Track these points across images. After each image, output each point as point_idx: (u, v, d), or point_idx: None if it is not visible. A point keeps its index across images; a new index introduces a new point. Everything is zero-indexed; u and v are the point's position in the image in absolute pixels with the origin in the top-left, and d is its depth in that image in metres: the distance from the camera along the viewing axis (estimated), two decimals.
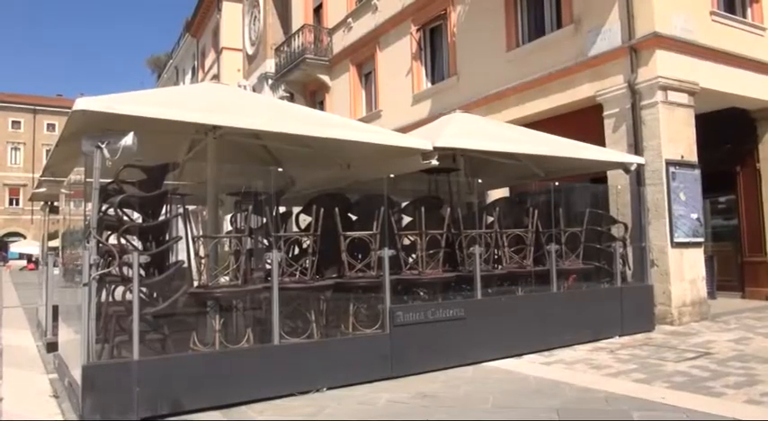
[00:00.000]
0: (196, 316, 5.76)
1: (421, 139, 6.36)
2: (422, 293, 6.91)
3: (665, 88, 9.01)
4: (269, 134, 6.52)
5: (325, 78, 18.48)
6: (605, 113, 9.77)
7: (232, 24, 27.00)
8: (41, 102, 67.71)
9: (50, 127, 66.53)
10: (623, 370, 6.01)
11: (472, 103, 12.02)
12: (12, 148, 65.71)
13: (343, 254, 6.16)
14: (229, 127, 5.95)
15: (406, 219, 7.69)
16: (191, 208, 7.80)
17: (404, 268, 6.64)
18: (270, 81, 21.01)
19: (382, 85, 16.10)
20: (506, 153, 7.58)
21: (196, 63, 34.01)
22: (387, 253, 5.96)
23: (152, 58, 50.58)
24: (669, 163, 8.93)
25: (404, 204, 7.98)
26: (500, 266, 7.40)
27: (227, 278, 5.85)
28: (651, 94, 9.05)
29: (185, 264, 5.89)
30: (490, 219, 7.67)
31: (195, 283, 5.71)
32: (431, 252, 6.66)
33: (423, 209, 6.65)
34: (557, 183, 7.89)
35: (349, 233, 6.16)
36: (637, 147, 9.13)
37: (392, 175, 6.59)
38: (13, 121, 65.76)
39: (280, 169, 6.81)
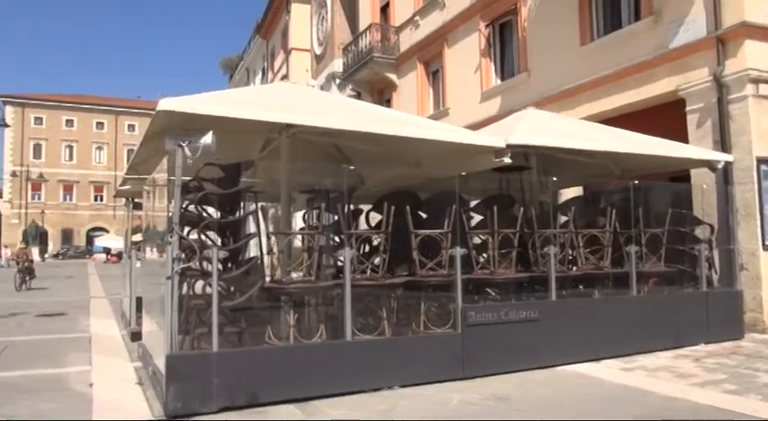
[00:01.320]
0: (270, 310, 5.89)
1: (493, 137, 6.25)
2: (493, 293, 6.79)
3: (755, 81, 8.46)
4: (340, 132, 6.58)
5: (393, 77, 18.52)
6: (688, 108, 9.29)
7: (300, 25, 27.51)
8: (123, 104, 71.43)
9: (131, 127, 70.13)
10: (711, 380, 5.68)
11: (544, 99, 11.72)
12: (96, 148, 69.71)
13: (414, 252, 6.14)
14: (303, 125, 6.04)
15: (476, 218, 7.59)
16: (261, 205, 7.99)
17: (475, 267, 6.54)
18: (337, 80, 21.26)
19: (450, 83, 15.96)
20: (581, 150, 7.33)
21: (266, 64, 34.90)
22: (459, 251, 5.90)
23: (225, 60, 52.22)
24: (761, 160, 8.38)
25: (474, 203, 7.88)
26: (575, 267, 7.17)
27: (298, 274, 5.97)
28: (740, 88, 8.52)
29: (258, 260, 6.04)
30: (564, 218, 7.45)
31: (267, 279, 5.85)
32: (503, 251, 6.53)
33: (495, 207, 6.53)
34: (636, 182, 7.55)
35: (420, 231, 6.13)
36: (724, 144, 8.62)
37: (463, 174, 6.50)
38: (97, 123, 69.71)
39: (352, 167, 6.84)
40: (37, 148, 66.97)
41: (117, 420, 4.68)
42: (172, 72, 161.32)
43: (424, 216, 7.12)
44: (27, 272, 19.35)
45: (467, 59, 15.08)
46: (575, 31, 11.59)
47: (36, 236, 60.94)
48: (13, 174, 63.54)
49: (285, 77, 27.00)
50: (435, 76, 17.07)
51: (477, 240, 6.82)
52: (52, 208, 66.33)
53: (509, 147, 6.02)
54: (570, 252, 7.12)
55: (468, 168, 6.48)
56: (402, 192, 7.04)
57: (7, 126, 32.73)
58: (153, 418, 4.66)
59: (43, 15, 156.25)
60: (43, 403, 5.17)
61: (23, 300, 15.55)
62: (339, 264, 6.33)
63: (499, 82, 14.26)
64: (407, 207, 6.11)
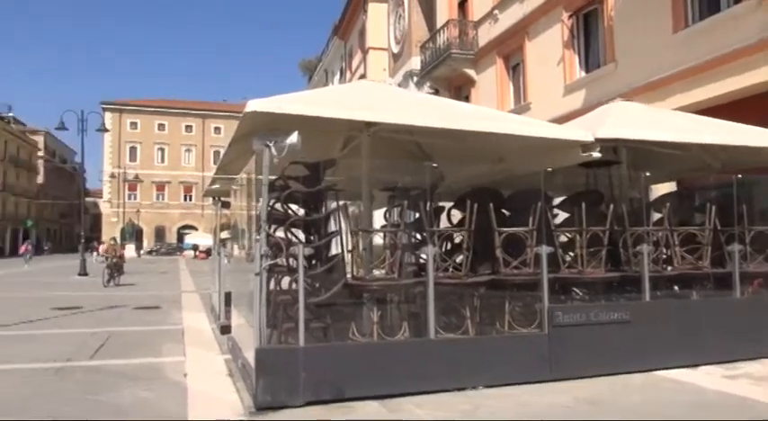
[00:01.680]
0: (353, 307, 5.96)
1: (581, 131, 6.01)
2: (581, 293, 6.54)
3: None
4: (421, 129, 6.55)
5: (471, 72, 18.29)
6: None
7: (377, 24, 27.71)
8: (209, 107, 74.81)
9: (217, 130, 73.33)
10: None
11: (632, 90, 11.18)
12: (185, 150, 73.42)
13: (498, 250, 6.02)
14: (384, 123, 6.05)
15: (561, 216, 7.33)
16: (343, 203, 8.09)
17: (561, 266, 6.32)
18: (415, 78, 21.25)
19: (531, 77, 15.57)
20: (676, 143, 6.91)
21: (344, 64, 35.42)
22: (545, 250, 5.72)
23: (304, 62, 53.47)
24: None
25: (558, 200, 7.61)
26: (670, 267, 6.77)
27: (380, 271, 5.99)
28: None
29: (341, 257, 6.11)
30: (657, 215, 7.05)
31: (348, 276, 5.91)
32: (591, 250, 6.27)
33: (582, 204, 6.28)
34: (739, 176, 7.03)
35: (504, 229, 5.99)
36: None
37: (549, 169, 6.29)
38: (186, 126, 73.40)
39: (434, 165, 6.80)
40: (132, 151, 71.40)
41: (211, 411, 4.85)
42: (253, 75, 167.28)
43: (506, 213, 6.96)
44: (115, 268, 19.28)
45: (549, 52, 14.64)
46: (666, 18, 10.98)
47: (132, 233, 65.00)
48: (112, 175, 68.02)
49: (363, 77, 27.29)
50: (515, 70, 16.70)
51: (563, 238, 6.59)
52: (146, 207, 70.53)
53: (598, 141, 5.77)
54: (664, 251, 6.73)
55: (554, 164, 6.26)
56: (484, 188, 6.91)
57: (107, 131, 35.02)
58: (244, 410, 4.81)
59: (133, 21, 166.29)
60: (143, 391, 5.48)
61: (123, 293, 16.59)
62: (421, 261, 6.31)
63: (583, 74, 13.76)
64: (490, 204, 5.98)
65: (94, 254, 39.89)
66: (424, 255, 6.15)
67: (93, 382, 5.84)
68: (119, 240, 62.81)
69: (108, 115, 61.48)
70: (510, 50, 16.63)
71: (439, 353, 5.40)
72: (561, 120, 10.57)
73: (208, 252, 51.35)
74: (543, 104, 14.56)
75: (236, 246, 11.14)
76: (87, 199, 61.19)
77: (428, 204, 6.24)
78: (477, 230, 5.94)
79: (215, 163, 69.16)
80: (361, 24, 30.72)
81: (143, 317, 11.23)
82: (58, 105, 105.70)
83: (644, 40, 11.48)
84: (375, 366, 5.20)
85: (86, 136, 27.75)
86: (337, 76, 37.33)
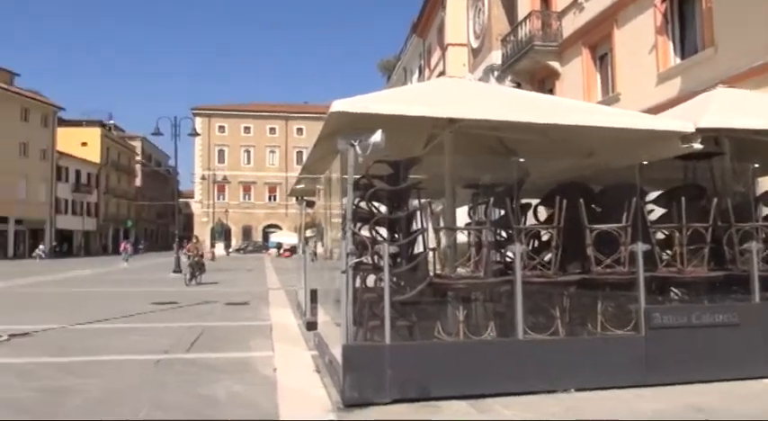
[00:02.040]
0: (437, 305, 5.90)
1: (680, 121, 5.64)
2: (680, 294, 6.15)
3: None
4: (505, 125, 6.38)
5: (555, 64, 17.72)
6: None
7: (456, 20, 27.42)
8: (291, 109, 77.02)
9: (299, 131, 75.42)
10: None
11: (734, 76, 10.39)
12: (269, 152, 76.01)
13: (589, 248, 5.77)
14: (468, 119, 5.95)
15: (656, 211, 6.92)
16: (426, 201, 8.04)
17: (659, 265, 5.97)
18: (496, 73, 20.86)
19: (621, 66, 14.86)
20: None
21: (422, 62, 35.35)
22: (641, 247, 5.42)
23: (383, 62, 53.87)
24: None
25: (654, 194, 7.19)
26: None
27: (464, 269, 5.90)
28: None
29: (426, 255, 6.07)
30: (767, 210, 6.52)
31: (431, 274, 5.86)
32: (692, 247, 5.88)
33: (681, 199, 5.90)
34: None
35: (596, 226, 5.73)
36: None
37: (645, 163, 5.96)
38: (269, 128, 75.97)
39: (521, 160, 6.61)
40: (221, 154, 74.72)
41: (300, 406, 4.95)
42: (333, 77, 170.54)
43: (597, 209, 6.66)
44: (197, 266, 19.13)
45: (640, 39, 13.91)
46: None
47: (221, 232, 68.10)
48: (203, 177, 71.52)
49: (442, 74, 27.11)
50: (603, 60, 16.01)
51: (659, 235, 6.22)
52: (234, 207, 73.63)
53: (699, 131, 5.39)
54: None
55: (650, 157, 5.92)
56: (573, 184, 6.64)
57: (198, 135, 36.78)
58: (332, 406, 4.87)
59: (217, 26, 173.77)
60: (236, 384, 5.68)
61: (214, 289, 17.37)
62: (507, 260, 6.16)
63: (678, 61, 12.97)
64: (580, 200, 5.74)
65: (124, 255, 41.54)
66: (510, 254, 6.00)
67: (189, 374, 6.13)
68: (209, 239, 66.27)
69: (198, 120, 64.53)
70: (597, 40, 15.95)
71: (527, 353, 5.25)
72: (654, 110, 9.99)
73: (291, 250, 53.05)
74: (634, 95, 13.85)
75: (319, 245, 11.37)
76: (180, 200, 64.73)
77: (514, 201, 6.08)
78: (567, 227, 5.72)
79: (298, 163, 71.59)
80: (439, 21, 30.53)
81: (233, 313, 11.69)
82: (148, 111, 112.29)
83: (748, 20, 10.64)
84: (461, 366, 5.12)
85: (179, 140, 29.28)
86: (416, 75, 37.31)
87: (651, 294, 5.84)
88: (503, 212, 6.41)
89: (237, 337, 8.60)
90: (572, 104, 6.85)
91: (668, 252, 6.12)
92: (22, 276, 22.88)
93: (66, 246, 60.02)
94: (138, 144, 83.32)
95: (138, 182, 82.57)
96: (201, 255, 19.98)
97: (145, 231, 79.68)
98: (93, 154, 67.75)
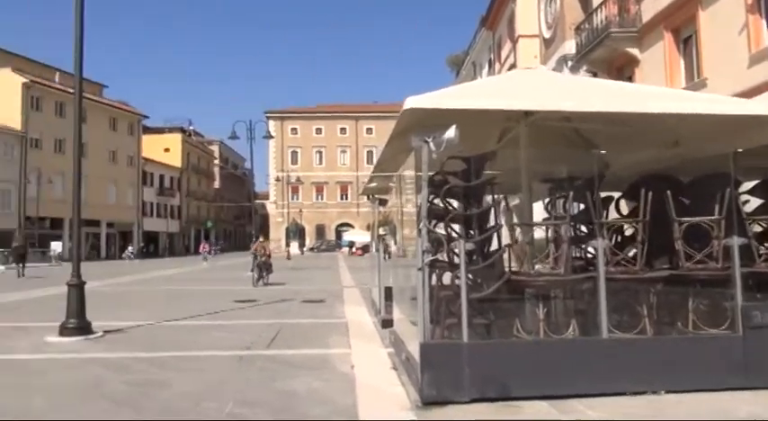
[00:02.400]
0: (515, 303, 5.76)
1: None
2: None
3: None
4: (583, 115, 6.15)
5: (634, 51, 16.93)
6: None
7: (527, 11, 26.78)
8: (361, 109, 77.92)
9: (369, 130, 76.16)
10: None
11: None
12: (340, 152, 77.23)
13: (678, 242, 5.46)
14: (544, 111, 5.77)
15: (753, 202, 6.46)
16: (502, 196, 7.88)
17: (757, 260, 5.57)
18: (569, 63, 20.20)
19: (707, 49, 14.00)
20: None
21: (492, 55, 34.78)
22: (737, 241, 5.07)
23: (451, 57, 53.48)
24: None
25: (748, 185, 6.72)
26: None
27: (542, 266, 5.73)
28: None
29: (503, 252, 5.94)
30: None
31: (507, 271, 5.73)
32: None
33: None
34: None
35: (685, 219, 5.41)
36: None
37: (739, 150, 5.57)
38: (340, 128, 77.17)
39: (603, 151, 6.35)
40: (294, 155, 76.64)
41: (378, 403, 4.97)
42: (401, 75, 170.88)
43: (686, 201, 6.29)
44: (264, 266, 18.54)
45: (728, 19, 13.05)
46: None
47: (296, 232, 69.82)
48: (277, 178, 73.60)
49: (513, 66, 26.55)
50: (687, 43, 15.15)
51: (756, 228, 5.80)
52: (307, 207, 75.31)
53: None
54: None
55: (746, 144, 5.53)
56: (659, 175, 6.32)
57: (272, 137, 37.87)
58: (410, 403, 4.86)
59: (286, 29, 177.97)
60: (315, 380, 5.78)
61: (291, 287, 17.80)
62: (588, 256, 5.93)
63: None
64: (667, 192, 5.44)
65: (203, 255, 42.36)
66: (591, 249, 5.78)
67: (271, 370, 6.29)
68: (284, 239, 68.08)
69: (271, 123, 66.35)
70: (680, 22, 15.11)
71: (613, 353, 5.02)
72: (748, 94, 9.37)
73: (364, 248, 53.67)
74: (723, 79, 13.01)
75: (392, 243, 11.40)
76: (256, 201, 66.85)
77: (594, 194, 5.84)
78: (653, 221, 5.44)
79: (368, 162, 72.40)
80: (509, 12, 29.92)
81: (310, 310, 11.93)
82: (224, 116, 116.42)
83: None
84: (542, 365, 4.97)
85: (254, 143, 30.27)
86: (486, 69, 36.75)
87: (748, 291, 5.46)
88: (582, 206, 6.18)
89: (315, 334, 8.76)
90: (656, 91, 6.52)
91: (766, 246, 5.70)
92: (113, 276, 24.33)
93: (152, 247, 63.38)
94: (215, 148, 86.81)
95: (216, 184, 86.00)
96: (269, 255, 19.35)
97: (224, 232, 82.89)
98: (175, 159, 71.22)
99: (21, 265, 24.73)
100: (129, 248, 52.74)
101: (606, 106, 5.16)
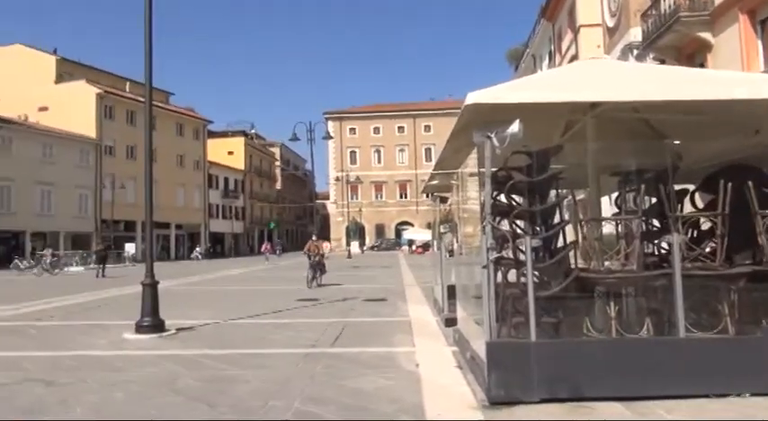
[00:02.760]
0: (584, 301, 5.59)
1: None
2: None
3: None
4: (653, 105, 5.88)
5: (706, 36, 16.08)
6: None
7: (589, 0, 25.94)
8: (418, 107, 77.87)
9: (427, 128, 75.99)
10: None
11: None
12: (399, 150, 77.41)
13: (761, 236, 5.14)
14: (611, 102, 5.56)
15: None
16: (568, 191, 7.66)
17: None
18: (635, 51, 19.42)
19: None
20: None
21: (552, 47, 33.94)
22: None
23: (511, 51, 52.61)
24: None
25: None
26: None
27: (611, 262, 5.52)
28: None
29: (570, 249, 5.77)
30: None
31: (575, 267, 5.55)
32: None
33: None
34: None
35: None
36: None
37: None
38: (398, 127, 77.36)
39: (677, 142, 6.07)
40: (352, 155, 77.41)
41: (444, 402, 4.92)
42: (458, 71, 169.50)
43: None
44: (318, 267, 17.96)
45: None
46: None
47: (356, 231, 70.49)
48: (337, 178, 74.54)
49: (574, 58, 25.80)
50: (764, 25, 14.26)
51: None
52: (367, 206, 75.90)
53: None
54: None
55: None
56: (739, 165, 5.96)
57: (331, 138, 38.37)
58: (476, 403, 4.79)
59: (337, 31, 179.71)
60: (381, 378, 5.79)
61: (353, 285, 17.97)
62: (662, 251, 5.68)
63: None
64: (749, 183, 5.13)
65: (267, 255, 43.27)
66: (665, 244, 5.53)
67: (336, 368, 6.35)
68: (344, 238, 68.80)
69: (330, 124, 67.23)
70: (755, 3, 14.22)
71: (691, 353, 4.79)
72: None
73: (424, 247, 53.55)
74: None
75: (455, 241, 11.30)
76: (317, 201, 67.99)
77: (668, 187, 5.58)
78: (733, 214, 5.14)
79: (427, 160, 72.31)
80: (570, 2, 29.08)
81: (372, 309, 11.99)
82: (284, 118, 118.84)
83: None
84: (615, 365, 4.79)
85: (314, 144, 30.77)
86: (546, 61, 35.91)
87: None
88: (654, 200, 5.92)
89: (378, 333, 8.79)
90: (734, 77, 6.15)
91: None
92: (183, 276, 25.28)
93: (219, 247, 65.48)
94: (276, 150, 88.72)
95: (278, 186, 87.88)
96: (322, 255, 18.75)
97: (286, 232, 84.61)
98: (238, 162, 73.28)
99: (101, 267, 26.99)
100: (197, 249, 54.69)
101: (685, 94, 4.90)
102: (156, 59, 9.70)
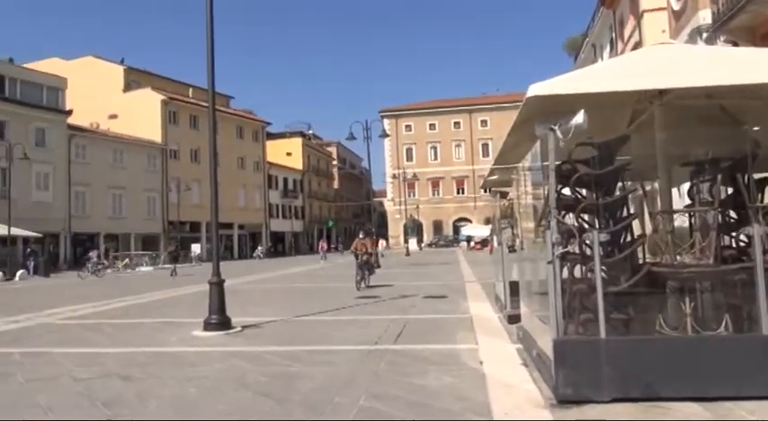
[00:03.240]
0: (655, 296, 5.36)
1: None
2: None
3: None
4: (725, 90, 5.57)
5: None
6: None
7: None
8: (474, 102, 76.95)
9: (483, 123, 75.07)
10: None
11: None
12: (455, 146, 76.85)
13: None
14: (682, 88, 5.31)
15: None
16: (636, 183, 7.37)
17: None
18: (704, 35, 18.48)
19: None
20: None
21: (614, 35, 32.79)
22: None
23: (569, 41, 51.14)
24: None
25: None
26: None
27: (685, 256, 5.28)
28: None
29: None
30: None
31: (640, 262, 5.34)
32: None
33: None
34: None
35: None
36: None
37: None
38: (454, 122, 76.79)
39: (756, 128, 5.74)
40: (409, 152, 77.41)
41: (511, 400, 4.84)
42: (515, 64, 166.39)
43: None
44: (366, 266, 16.76)
45: None
46: None
47: (413, 228, 70.48)
48: (393, 176, 74.74)
49: (638, 44, 24.84)
50: None
51: None
52: (424, 203, 75.76)
53: None
54: None
55: None
56: None
57: (387, 136, 38.48)
58: (543, 401, 4.69)
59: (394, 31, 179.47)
60: (445, 375, 5.75)
61: (413, 283, 17.96)
62: (741, 244, 5.38)
63: None
64: None
65: (321, 254, 43.26)
66: (743, 237, 5.24)
67: (400, 365, 6.36)
68: (402, 235, 68.83)
69: (386, 122, 67.46)
70: None
71: None
72: None
73: (482, 243, 52.97)
74: None
75: (515, 236, 11.09)
76: (374, 199, 68.35)
77: (747, 176, 5.28)
78: None
79: (484, 155, 71.58)
80: None
81: (433, 306, 11.95)
82: (339, 118, 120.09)
83: None
84: (691, 364, 4.58)
85: (370, 142, 30.96)
86: (607, 50, 34.75)
87: None
88: (731, 190, 5.61)
89: (440, 330, 8.75)
90: None
91: None
92: (245, 274, 26.00)
93: (279, 246, 66.96)
94: (333, 149, 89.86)
95: (335, 184, 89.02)
96: (370, 254, 17.51)
97: (344, 230, 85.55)
98: (297, 162, 74.69)
99: (174, 266, 28.94)
100: (259, 248, 56.10)
101: (763, 77, 4.62)
102: (216, 64, 9.99)
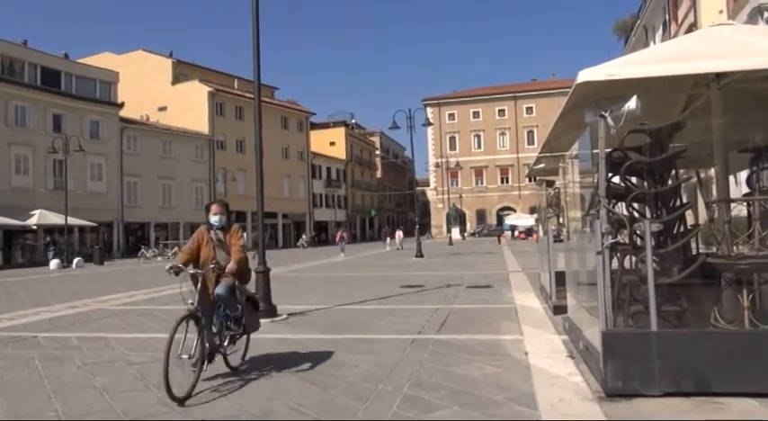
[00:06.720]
0: (709, 288, 5.18)
1: None
2: None
3: None
4: None
5: None
6: None
7: None
8: (519, 89, 75.65)
9: (528, 110, 73.73)
10: None
11: None
12: (499, 134, 75.75)
13: None
14: (741, 71, 5.06)
15: None
16: (688, 171, 7.10)
17: None
18: (765, 14, 17.61)
19: None
20: None
21: (667, 16, 31.57)
22: None
23: (619, 23, 49.57)
24: None
25: None
26: None
27: (742, 247, 5.06)
28: None
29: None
30: None
31: (696, 252, 5.14)
32: None
33: None
34: None
35: None
36: None
37: None
38: (498, 110, 75.65)
39: None
40: (452, 141, 76.76)
41: (557, 392, 4.76)
42: (559, 50, 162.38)
43: None
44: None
45: None
46: None
47: (457, 217, 70.01)
48: (436, 165, 74.30)
49: (693, 26, 23.85)
50: None
51: None
52: (467, 192, 75.11)
53: None
54: None
55: None
56: None
57: (430, 125, 38.22)
58: (591, 394, 4.60)
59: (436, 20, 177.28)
60: (488, 366, 5.71)
61: (457, 272, 17.88)
62: None
63: None
64: None
65: (387, 240, 41.96)
66: None
67: (443, 354, 6.34)
68: (444, 225, 68.40)
69: (429, 110, 67.06)
70: None
71: None
72: None
73: (527, 232, 52.20)
74: None
75: (561, 226, 10.88)
76: (417, 188, 68.19)
77: None
78: None
79: (529, 143, 70.37)
80: None
81: (477, 296, 11.87)
82: (380, 107, 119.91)
83: None
84: (748, 358, 4.40)
85: (413, 132, 30.86)
86: (659, 32, 33.52)
87: None
88: None
89: (484, 320, 8.68)
90: None
91: None
92: (290, 263, 26.39)
93: (323, 235, 67.65)
94: (376, 139, 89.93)
95: (378, 174, 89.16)
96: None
97: (387, 219, 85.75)
98: (340, 152, 75.13)
99: None
100: (303, 237, 56.77)
101: None
102: (261, 55, 10.10)
